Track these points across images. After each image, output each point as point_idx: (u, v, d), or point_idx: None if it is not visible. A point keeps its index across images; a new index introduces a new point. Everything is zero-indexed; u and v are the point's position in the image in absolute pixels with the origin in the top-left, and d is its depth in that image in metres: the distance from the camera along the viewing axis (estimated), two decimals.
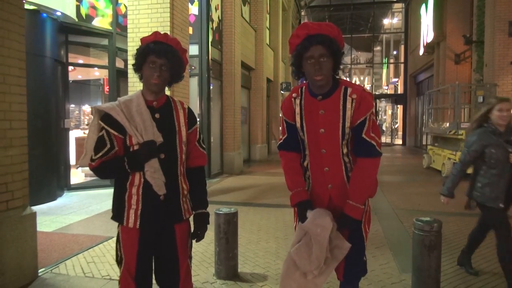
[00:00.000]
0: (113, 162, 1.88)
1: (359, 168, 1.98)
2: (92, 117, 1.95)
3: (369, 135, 1.95)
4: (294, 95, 2.09)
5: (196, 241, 2.05)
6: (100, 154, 1.86)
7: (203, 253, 4.01)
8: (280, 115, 2.19)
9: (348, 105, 1.94)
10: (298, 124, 2.06)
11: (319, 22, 1.97)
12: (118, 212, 1.96)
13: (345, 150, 2.02)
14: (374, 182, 2.08)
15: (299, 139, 2.12)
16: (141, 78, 1.96)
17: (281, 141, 2.18)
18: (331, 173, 2.04)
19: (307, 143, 2.07)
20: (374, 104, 2.02)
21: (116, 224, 2.00)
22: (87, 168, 1.96)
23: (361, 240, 2.09)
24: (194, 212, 2.06)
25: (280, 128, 2.23)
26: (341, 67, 2.05)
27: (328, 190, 2.05)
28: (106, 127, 1.87)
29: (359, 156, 1.99)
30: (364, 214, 2.07)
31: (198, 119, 2.18)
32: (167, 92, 5.48)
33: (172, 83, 2.02)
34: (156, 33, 1.97)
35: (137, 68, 1.96)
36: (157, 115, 1.93)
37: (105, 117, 1.88)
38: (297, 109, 2.06)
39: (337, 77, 2.02)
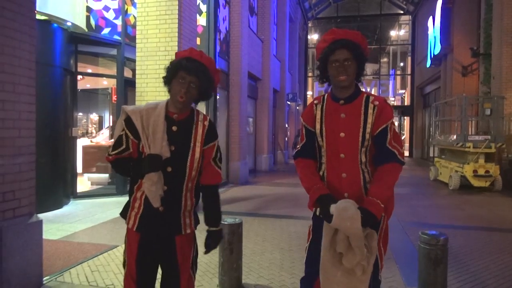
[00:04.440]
0: (126, 162, 1.97)
1: (380, 171, 2.00)
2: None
3: (391, 145, 2.00)
4: (315, 101, 2.16)
5: (205, 253, 2.03)
6: (116, 151, 1.96)
7: (207, 263, 4.00)
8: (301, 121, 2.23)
9: (370, 111, 1.99)
10: (318, 130, 2.09)
11: (346, 29, 2.06)
12: (124, 210, 2.03)
13: (363, 159, 2.02)
14: (393, 190, 2.05)
15: (316, 146, 2.13)
16: (169, 91, 1.97)
17: (299, 148, 2.22)
18: (348, 179, 2.03)
19: (325, 149, 2.08)
20: (393, 115, 2.07)
21: (121, 233, 2.02)
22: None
23: (376, 258, 2.02)
24: (207, 229, 2.04)
25: (299, 137, 2.27)
26: (364, 73, 2.10)
27: (344, 198, 2.01)
28: (125, 129, 1.94)
29: (380, 163, 2.00)
30: (380, 230, 2.05)
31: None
32: None
33: (199, 100, 2.02)
34: (191, 50, 1.98)
35: (167, 81, 1.96)
36: (174, 128, 1.94)
37: (127, 119, 1.94)
38: (318, 115, 2.10)
39: (359, 84, 2.09)
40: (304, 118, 2.17)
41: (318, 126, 2.09)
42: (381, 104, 2.01)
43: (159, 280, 2.06)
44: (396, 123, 28.16)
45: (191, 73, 1.88)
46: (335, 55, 1.96)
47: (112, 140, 2.04)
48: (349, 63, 1.96)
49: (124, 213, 2.02)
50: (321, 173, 2.12)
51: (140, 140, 1.92)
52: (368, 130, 1.99)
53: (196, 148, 1.96)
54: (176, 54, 2.01)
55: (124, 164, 1.98)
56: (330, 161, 2.07)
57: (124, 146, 1.94)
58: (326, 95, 2.15)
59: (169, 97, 1.98)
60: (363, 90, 2.11)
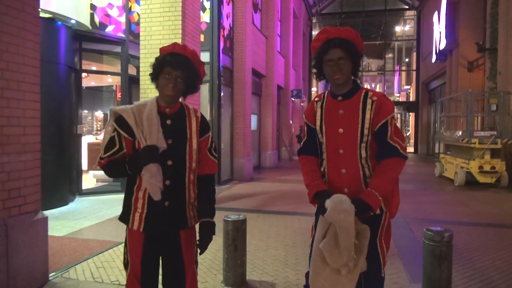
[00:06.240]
0: (120, 162, 1.93)
1: (382, 165, 2.01)
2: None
3: (392, 139, 2.00)
4: (316, 99, 2.20)
5: (200, 253, 1.99)
6: (109, 153, 1.92)
7: (211, 260, 4.01)
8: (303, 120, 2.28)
9: (368, 106, 2.00)
10: (318, 127, 2.12)
11: (338, 27, 2.08)
12: (125, 213, 1.99)
13: (363, 154, 2.03)
14: (396, 185, 2.08)
15: (317, 143, 2.17)
16: (157, 86, 1.98)
17: (302, 145, 2.28)
18: (348, 175, 2.04)
19: (325, 145, 2.10)
20: (394, 110, 2.08)
21: (125, 229, 2.02)
22: (99, 174, 2.01)
23: (376, 254, 2.04)
24: (199, 220, 2.02)
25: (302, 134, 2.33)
26: (360, 69, 2.10)
27: (344, 194, 2.01)
28: (117, 128, 1.92)
29: (383, 158, 2.02)
30: (381, 226, 2.06)
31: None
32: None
33: (187, 94, 2.03)
34: (174, 44, 2.00)
35: (154, 77, 1.98)
36: (168, 121, 1.95)
37: (118, 119, 1.93)
38: (318, 112, 2.14)
39: (357, 79, 2.11)
40: (306, 116, 2.22)
41: (318, 123, 2.13)
42: (380, 99, 2.01)
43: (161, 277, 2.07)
44: (401, 119, 28.04)
45: (177, 67, 1.90)
46: (329, 55, 1.99)
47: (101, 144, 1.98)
48: (343, 61, 1.98)
49: (124, 217, 1.99)
50: (322, 169, 2.15)
51: (134, 137, 1.91)
52: (366, 125, 2.00)
53: (193, 139, 1.98)
54: (160, 49, 2.01)
55: (119, 165, 1.92)
56: (330, 157, 2.09)
57: (117, 147, 1.92)
58: (326, 92, 2.18)
59: (153, 94, 1.98)
60: (367, 86, 2.12)
